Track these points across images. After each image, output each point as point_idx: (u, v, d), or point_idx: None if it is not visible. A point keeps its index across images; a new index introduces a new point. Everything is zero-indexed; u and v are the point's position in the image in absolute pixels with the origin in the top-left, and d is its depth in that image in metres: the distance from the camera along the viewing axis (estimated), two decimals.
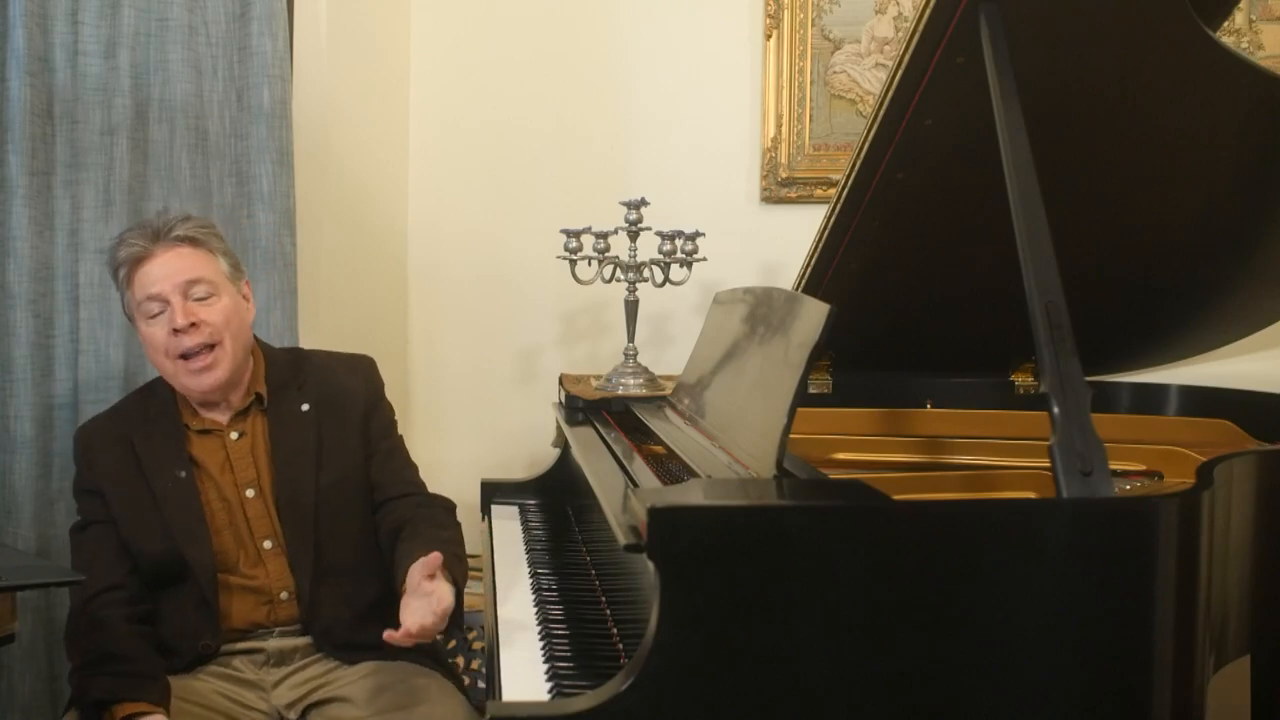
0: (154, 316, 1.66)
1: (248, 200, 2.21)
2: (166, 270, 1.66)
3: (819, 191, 2.66)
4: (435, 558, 1.50)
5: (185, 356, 1.66)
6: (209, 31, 2.17)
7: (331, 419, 1.77)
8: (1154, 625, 1.13)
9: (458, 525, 1.80)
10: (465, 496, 2.26)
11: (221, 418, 1.74)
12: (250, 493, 1.71)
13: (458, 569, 1.61)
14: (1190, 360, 2.32)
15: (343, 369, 1.84)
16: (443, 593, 1.49)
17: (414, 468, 1.86)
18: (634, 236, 2.28)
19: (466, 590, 1.90)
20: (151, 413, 1.74)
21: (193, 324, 1.65)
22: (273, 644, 1.70)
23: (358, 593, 1.71)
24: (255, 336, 1.83)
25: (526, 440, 2.76)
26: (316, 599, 1.69)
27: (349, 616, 1.69)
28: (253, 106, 2.20)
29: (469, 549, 1.88)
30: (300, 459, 1.72)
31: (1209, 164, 1.83)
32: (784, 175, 2.69)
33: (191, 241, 1.69)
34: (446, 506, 1.82)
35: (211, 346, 1.67)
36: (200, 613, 1.66)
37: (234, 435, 1.73)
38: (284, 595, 1.70)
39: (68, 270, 2.04)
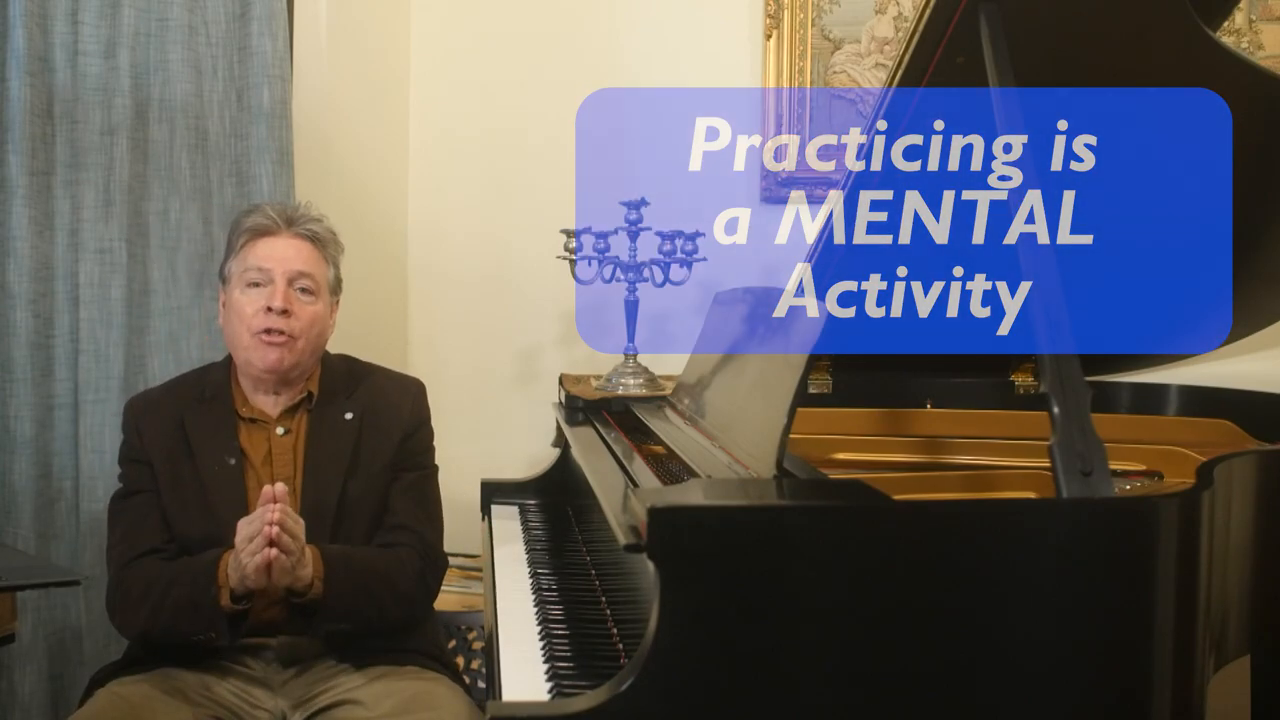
0: (252, 286, 1.72)
1: (248, 200, 2.20)
2: (285, 253, 1.73)
3: (819, 191, 2.66)
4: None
5: (261, 334, 1.70)
6: (209, 31, 2.17)
7: (372, 432, 1.78)
8: (1154, 625, 1.13)
9: (415, 584, 1.72)
10: (465, 496, 2.26)
11: (271, 410, 1.77)
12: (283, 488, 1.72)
13: (338, 580, 1.62)
14: (1190, 360, 2.31)
15: (394, 388, 1.86)
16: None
17: (434, 504, 1.83)
18: (634, 236, 2.28)
19: (466, 590, 1.91)
20: (206, 394, 1.77)
21: (285, 310, 1.70)
22: (282, 643, 1.70)
23: None
24: None
25: (526, 440, 2.75)
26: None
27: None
28: (253, 106, 2.20)
29: (469, 549, 1.88)
30: (333, 464, 1.73)
31: None
32: (784, 175, 2.69)
33: (316, 240, 1.78)
34: (428, 559, 1.76)
35: (287, 338, 1.71)
36: None
37: (280, 430, 1.76)
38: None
39: (68, 270, 2.04)
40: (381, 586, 1.68)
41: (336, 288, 1.83)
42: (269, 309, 1.70)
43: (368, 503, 1.75)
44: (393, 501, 1.77)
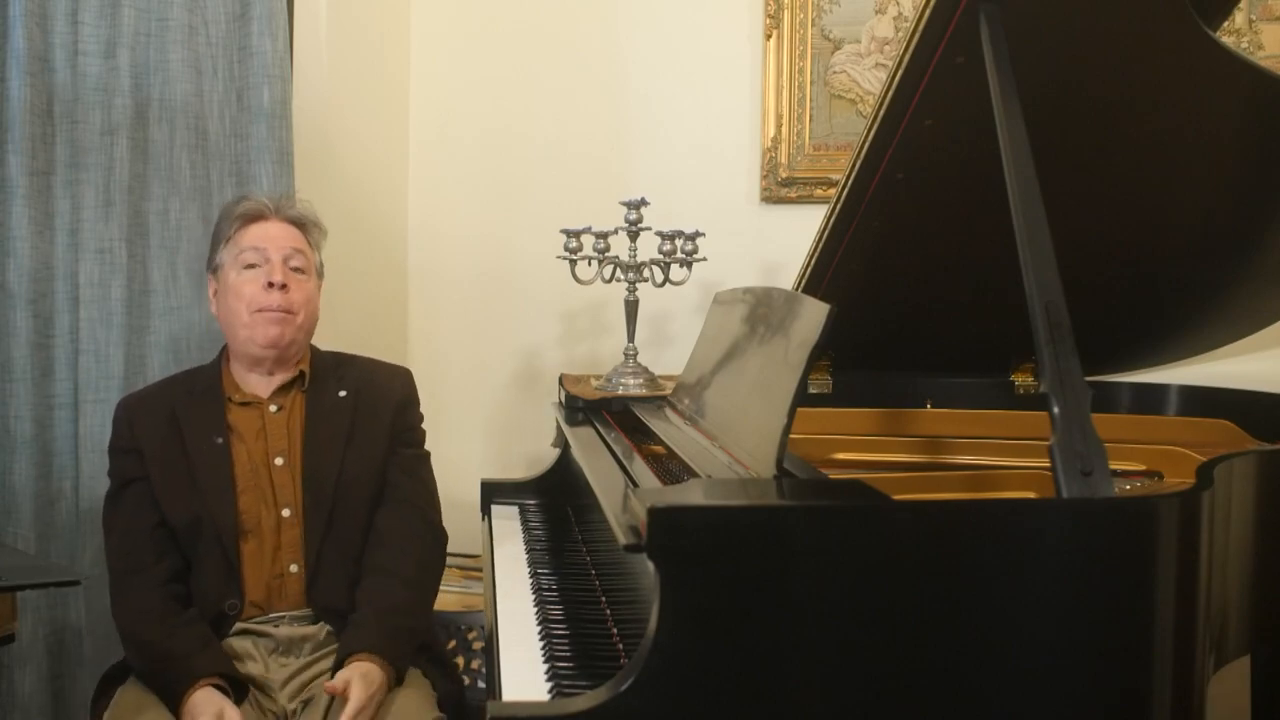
0: (248, 267, 1.79)
1: None
2: (278, 235, 1.82)
3: (819, 191, 2.66)
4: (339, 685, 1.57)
5: (263, 310, 1.77)
6: (209, 31, 2.17)
7: (365, 409, 1.84)
8: (1154, 625, 1.13)
9: (427, 577, 1.81)
10: (465, 497, 2.26)
11: (263, 391, 1.82)
12: (279, 460, 1.78)
13: (395, 642, 1.66)
14: (1190, 360, 2.32)
15: (382, 372, 1.94)
16: (356, 691, 1.55)
17: (433, 484, 1.90)
18: (634, 236, 2.28)
19: (466, 590, 1.91)
20: (197, 387, 1.83)
21: (284, 285, 1.78)
22: (283, 630, 1.72)
23: (357, 575, 1.76)
24: None
25: (526, 440, 2.76)
26: (321, 571, 1.73)
27: (348, 594, 1.73)
28: (253, 106, 2.20)
29: (469, 549, 1.89)
30: (331, 438, 1.80)
31: (1209, 164, 1.83)
32: (784, 175, 2.69)
33: (302, 225, 1.87)
34: (430, 541, 1.83)
35: (287, 313, 1.78)
36: (224, 573, 1.71)
37: (273, 408, 1.82)
38: (293, 568, 1.74)
39: (68, 270, 2.04)
40: (424, 591, 1.79)
41: (320, 271, 1.90)
42: (270, 284, 1.76)
43: (365, 477, 1.80)
44: (393, 475, 1.83)
